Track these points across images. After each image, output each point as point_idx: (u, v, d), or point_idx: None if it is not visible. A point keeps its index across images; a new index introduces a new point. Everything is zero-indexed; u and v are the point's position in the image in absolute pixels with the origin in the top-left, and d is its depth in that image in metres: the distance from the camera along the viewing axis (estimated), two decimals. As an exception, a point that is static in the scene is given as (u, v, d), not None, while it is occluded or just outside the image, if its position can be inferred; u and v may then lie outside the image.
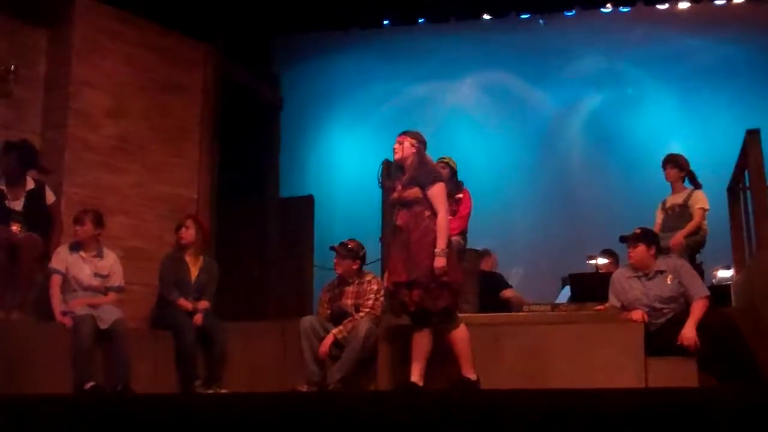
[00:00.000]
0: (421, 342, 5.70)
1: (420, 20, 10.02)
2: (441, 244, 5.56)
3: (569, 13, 9.95)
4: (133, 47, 7.93)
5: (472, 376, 5.74)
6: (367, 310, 6.23)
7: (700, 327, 5.77)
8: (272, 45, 10.21)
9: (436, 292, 5.56)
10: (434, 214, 5.63)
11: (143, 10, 7.96)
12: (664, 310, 6.01)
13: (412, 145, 5.78)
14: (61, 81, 7.47)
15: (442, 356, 5.78)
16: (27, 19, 7.45)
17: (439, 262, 5.52)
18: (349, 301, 6.35)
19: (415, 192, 5.67)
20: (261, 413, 3.55)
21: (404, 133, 5.87)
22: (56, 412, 3.81)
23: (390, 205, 5.83)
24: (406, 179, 5.74)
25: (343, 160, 10.82)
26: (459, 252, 7.09)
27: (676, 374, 5.64)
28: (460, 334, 5.76)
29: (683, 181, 7.34)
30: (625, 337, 5.93)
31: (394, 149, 5.84)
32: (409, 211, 5.68)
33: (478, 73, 10.88)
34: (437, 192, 5.69)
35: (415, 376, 5.66)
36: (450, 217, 7.05)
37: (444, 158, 7.42)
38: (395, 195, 5.78)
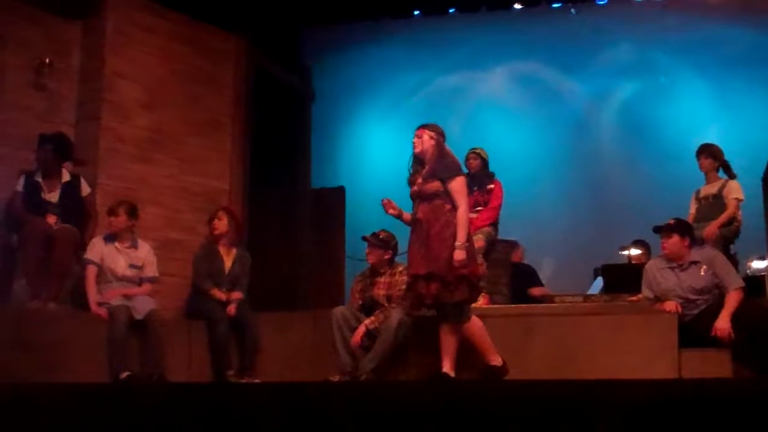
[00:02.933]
0: (449, 333, 5.73)
1: (450, 10, 9.99)
2: (461, 238, 5.57)
3: (601, 2, 9.88)
4: (165, 39, 7.99)
5: (498, 362, 5.78)
6: (399, 300, 6.24)
7: (734, 318, 5.74)
8: (303, 36, 10.23)
9: (454, 285, 5.58)
10: (454, 207, 5.64)
11: (175, 3, 8.01)
12: (698, 302, 5.97)
13: (432, 138, 5.78)
14: (95, 73, 7.55)
15: (463, 348, 5.80)
16: (61, 13, 7.53)
17: (459, 255, 5.53)
18: (381, 292, 6.36)
19: (435, 185, 5.67)
20: (293, 402, 3.57)
21: (423, 126, 5.86)
22: (92, 402, 3.86)
23: (410, 198, 5.84)
24: (427, 172, 5.73)
25: (374, 150, 10.82)
26: (490, 243, 7.09)
27: (710, 365, 5.61)
28: (474, 326, 5.78)
29: (717, 171, 7.27)
30: (658, 329, 5.90)
31: (413, 143, 5.83)
32: (429, 204, 5.69)
33: (510, 62, 10.82)
34: (458, 185, 5.69)
35: (447, 366, 5.69)
36: (481, 208, 7.09)
37: (475, 149, 7.41)
38: (415, 188, 5.79)
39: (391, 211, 5.77)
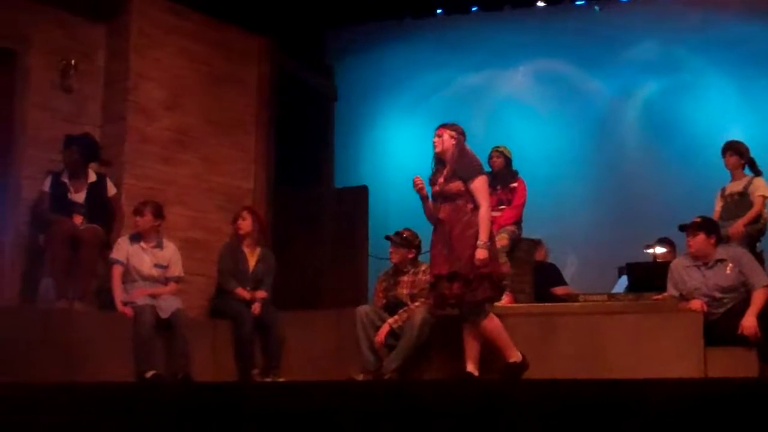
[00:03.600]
0: (473, 332, 5.72)
1: (473, 8, 9.96)
2: (483, 237, 5.58)
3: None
4: (189, 40, 8.03)
5: (517, 358, 5.76)
6: (422, 299, 6.24)
7: (761, 316, 5.70)
8: (326, 36, 10.24)
9: (476, 284, 5.58)
10: (476, 207, 5.64)
11: (199, 4, 8.05)
12: (724, 300, 5.94)
13: (452, 137, 5.78)
14: (120, 75, 7.60)
15: (486, 347, 5.79)
16: (86, 15, 7.58)
17: (481, 254, 5.54)
18: (405, 291, 6.37)
19: (457, 185, 5.68)
20: (318, 401, 3.58)
21: (443, 125, 5.87)
22: (118, 401, 3.89)
23: (426, 199, 5.83)
24: (448, 172, 5.74)
25: (397, 149, 10.81)
26: (514, 242, 7.08)
27: (736, 364, 5.58)
28: (492, 324, 5.75)
29: (743, 169, 7.22)
30: (684, 327, 5.87)
31: (433, 143, 5.83)
32: (451, 204, 5.70)
33: (533, 61, 10.77)
34: (479, 185, 5.70)
35: (470, 365, 5.69)
36: (505, 207, 7.08)
37: (498, 147, 7.40)
38: (437, 188, 5.79)
39: (421, 190, 5.76)
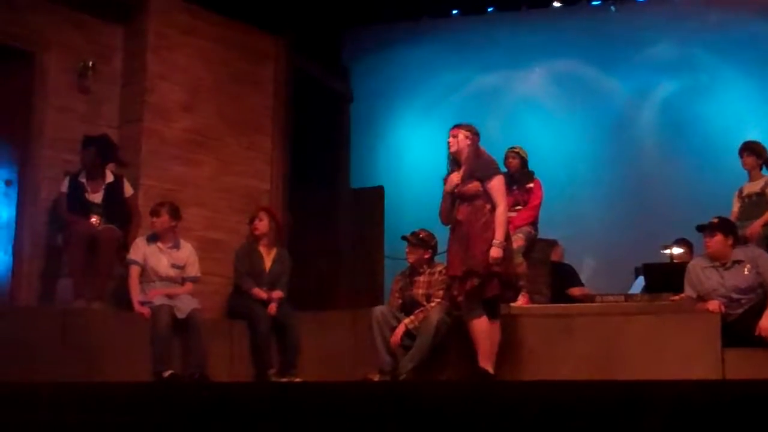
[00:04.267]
0: (491, 332, 5.71)
1: (490, 9, 9.96)
2: (499, 236, 5.59)
3: (641, -1, 9.80)
4: (206, 41, 8.06)
5: (489, 369, 5.68)
6: (438, 300, 6.23)
7: (779, 318, 5.66)
8: (342, 37, 10.26)
9: (486, 281, 5.57)
10: (494, 207, 5.63)
11: (216, 5, 8.07)
12: (742, 301, 5.90)
13: (467, 138, 5.79)
14: (137, 76, 7.63)
15: (503, 348, 5.77)
16: (104, 16, 7.62)
17: (496, 252, 5.54)
18: (421, 291, 6.36)
19: (475, 186, 5.68)
20: (334, 402, 3.59)
21: (457, 126, 5.88)
22: (135, 400, 3.91)
23: (448, 198, 5.82)
24: (465, 173, 5.74)
25: (413, 150, 10.81)
26: (530, 242, 7.06)
27: (755, 366, 5.54)
28: (480, 326, 5.71)
29: (761, 169, 7.18)
30: (701, 328, 5.84)
31: (448, 143, 5.84)
32: (469, 205, 5.70)
33: (549, 61, 10.75)
34: (496, 185, 5.70)
35: (486, 365, 5.67)
36: (521, 207, 7.07)
37: (514, 148, 7.38)
38: (456, 190, 5.78)
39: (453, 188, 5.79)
